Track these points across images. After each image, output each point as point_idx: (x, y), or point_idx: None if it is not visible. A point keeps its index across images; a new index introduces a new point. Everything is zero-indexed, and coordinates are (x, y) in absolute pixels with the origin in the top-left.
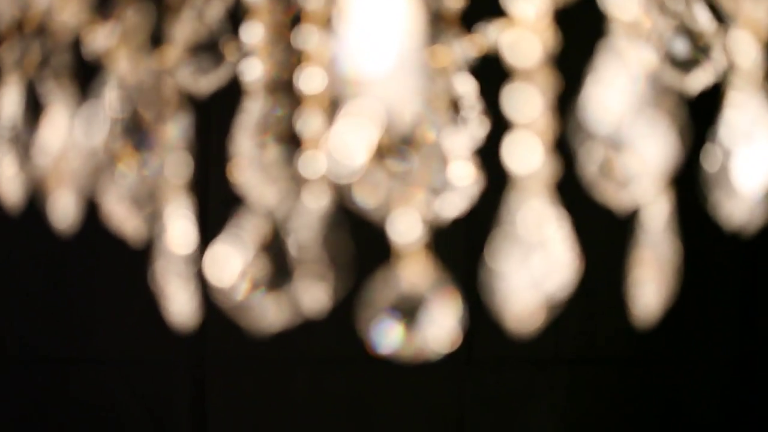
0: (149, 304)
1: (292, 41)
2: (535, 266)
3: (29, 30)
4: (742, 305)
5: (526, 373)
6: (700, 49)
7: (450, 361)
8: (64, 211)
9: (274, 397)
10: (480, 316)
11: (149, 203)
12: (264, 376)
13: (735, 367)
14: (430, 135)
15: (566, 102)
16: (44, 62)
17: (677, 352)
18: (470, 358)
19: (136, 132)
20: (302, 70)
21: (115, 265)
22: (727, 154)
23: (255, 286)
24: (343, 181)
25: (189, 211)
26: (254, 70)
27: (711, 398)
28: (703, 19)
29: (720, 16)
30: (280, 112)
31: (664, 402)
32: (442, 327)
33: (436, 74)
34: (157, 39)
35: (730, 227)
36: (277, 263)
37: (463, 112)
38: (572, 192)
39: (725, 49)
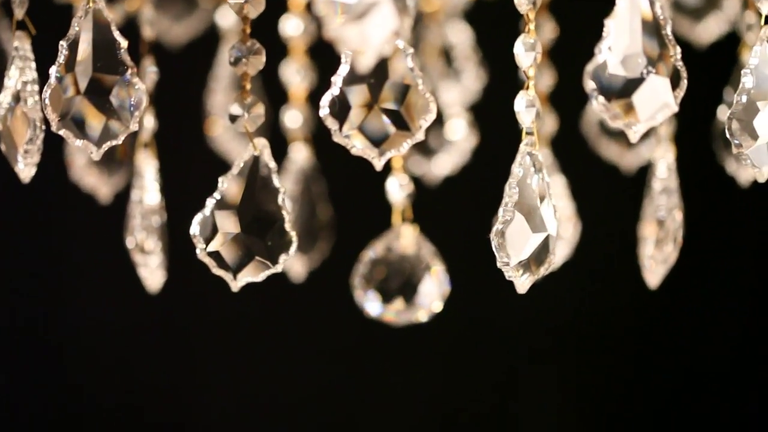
0: (120, 261)
1: None
2: (537, 224)
3: None
4: (756, 265)
5: (529, 339)
6: None
7: (448, 328)
8: (26, 161)
9: (257, 359)
10: (477, 282)
11: (118, 157)
12: (246, 333)
13: (746, 336)
14: (422, 86)
15: (569, 53)
16: (7, 7)
17: (686, 312)
18: (470, 326)
19: (104, 83)
20: (282, 14)
21: (86, 221)
22: (743, 103)
23: (229, 241)
24: (332, 135)
25: (157, 167)
26: (229, 17)
27: (721, 366)
28: None
29: None
30: (249, 58)
31: (673, 369)
32: (432, 291)
33: (428, 20)
34: None
35: (743, 180)
36: (256, 221)
37: (457, 63)
38: (575, 148)
39: None
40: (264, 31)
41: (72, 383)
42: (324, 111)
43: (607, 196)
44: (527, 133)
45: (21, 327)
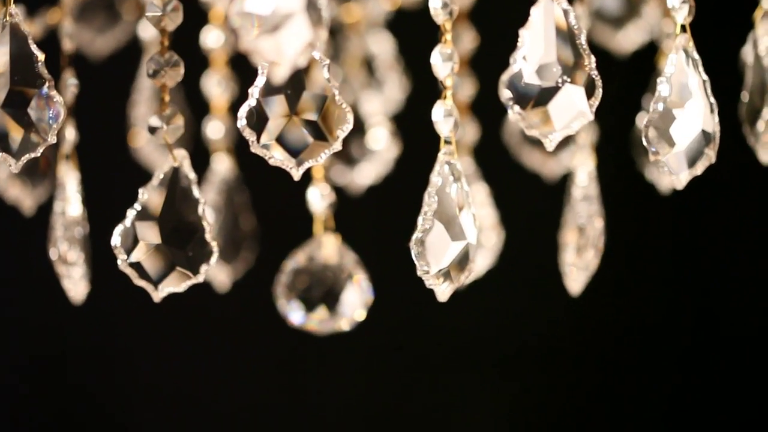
0: (44, 269)
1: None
2: (456, 236)
3: None
4: (679, 267)
5: (451, 346)
6: (631, 4)
7: (371, 338)
8: None
9: (180, 369)
10: (400, 291)
11: (40, 170)
12: (170, 343)
13: (677, 332)
14: (339, 97)
15: (490, 62)
16: None
17: (613, 322)
18: (394, 335)
19: (24, 95)
20: (201, 25)
21: (7, 233)
22: (659, 111)
23: (152, 251)
24: (250, 146)
25: (79, 178)
26: (150, 29)
27: (653, 369)
28: None
29: None
30: (170, 70)
31: (605, 381)
32: (354, 300)
33: (349, 31)
34: None
35: (662, 187)
36: (178, 232)
37: (379, 73)
38: (496, 156)
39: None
40: (186, 42)
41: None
42: (242, 122)
43: (529, 204)
44: (446, 143)
45: None
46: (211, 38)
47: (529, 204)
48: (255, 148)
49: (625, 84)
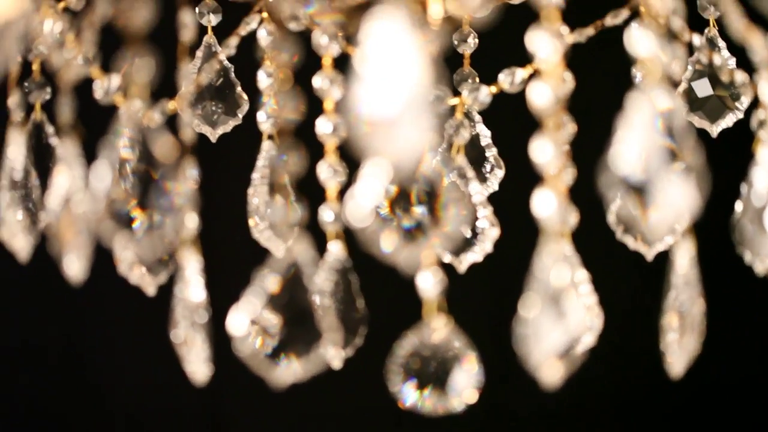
0: (165, 354)
1: (303, 87)
2: (561, 316)
3: (36, 77)
4: None
5: (554, 428)
6: (726, 90)
7: (478, 417)
8: (76, 260)
9: None
10: (507, 370)
11: (162, 254)
12: (284, 419)
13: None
14: (447, 181)
15: (587, 147)
16: (50, 109)
17: (709, 402)
18: (499, 414)
19: (147, 182)
20: (315, 115)
21: (130, 315)
22: (757, 196)
23: (270, 337)
24: (361, 232)
25: (200, 263)
26: (265, 117)
27: None
28: (728, 60)
29: (744, 56)
30: (286, 157)
31: None
32: (465, 380)
33: (451, 119)
34: (167, 86)
35: (760, 271)
36: (294, 316)
37: (479, 158)
38: (596, 239)
39: (752, 89)
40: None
41: None
42: (354, 217)
43: (630, 287)
44: (549, 229)
45: (64, 418)
46: (326, 127)
47: (630, 286)
48: (367, 242)
49: (724, 165)
